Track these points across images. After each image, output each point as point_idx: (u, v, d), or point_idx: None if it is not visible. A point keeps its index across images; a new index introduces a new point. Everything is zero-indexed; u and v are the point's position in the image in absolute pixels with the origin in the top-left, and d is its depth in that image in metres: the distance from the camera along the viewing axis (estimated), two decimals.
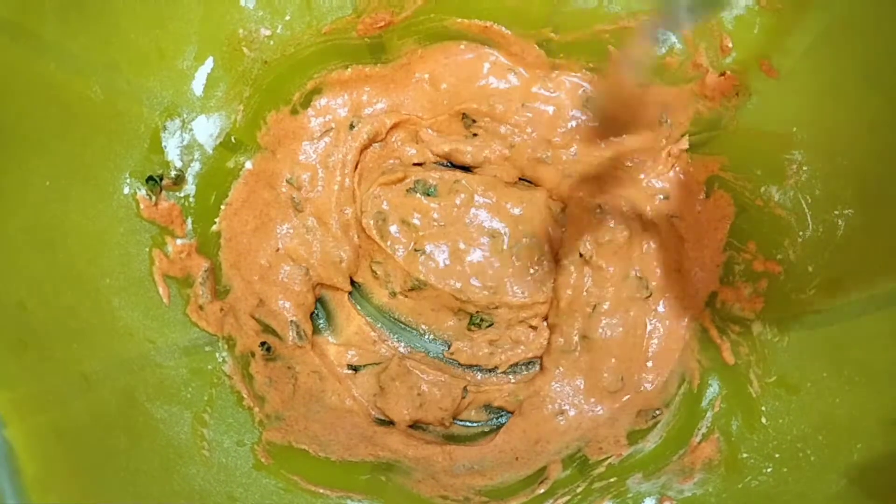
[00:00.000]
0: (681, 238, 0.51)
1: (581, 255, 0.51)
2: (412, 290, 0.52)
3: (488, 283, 0.52)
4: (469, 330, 0.52)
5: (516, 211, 0.52)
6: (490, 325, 0.52)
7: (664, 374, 0.50)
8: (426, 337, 0.54)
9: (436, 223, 0.52)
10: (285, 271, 0.51)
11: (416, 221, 0.52)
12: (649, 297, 0.51)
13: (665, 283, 0.51)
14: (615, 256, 0.51)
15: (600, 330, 0.51)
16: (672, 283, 0.51)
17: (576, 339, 0.51)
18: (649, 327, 0.51)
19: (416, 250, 0.52)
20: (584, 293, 0.51)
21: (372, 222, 0.52)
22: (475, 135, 0.53)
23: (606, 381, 0.50)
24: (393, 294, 0.53)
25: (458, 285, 0.51)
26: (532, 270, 0.52)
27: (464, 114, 0.53)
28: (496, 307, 0.52)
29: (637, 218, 0.52)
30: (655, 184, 0.52)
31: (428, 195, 0.52)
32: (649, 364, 0.50)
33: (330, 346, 0.52)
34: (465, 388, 0.52)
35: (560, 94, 0.52)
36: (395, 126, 0.53)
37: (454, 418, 0.52)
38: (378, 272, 0.53)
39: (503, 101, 0.52)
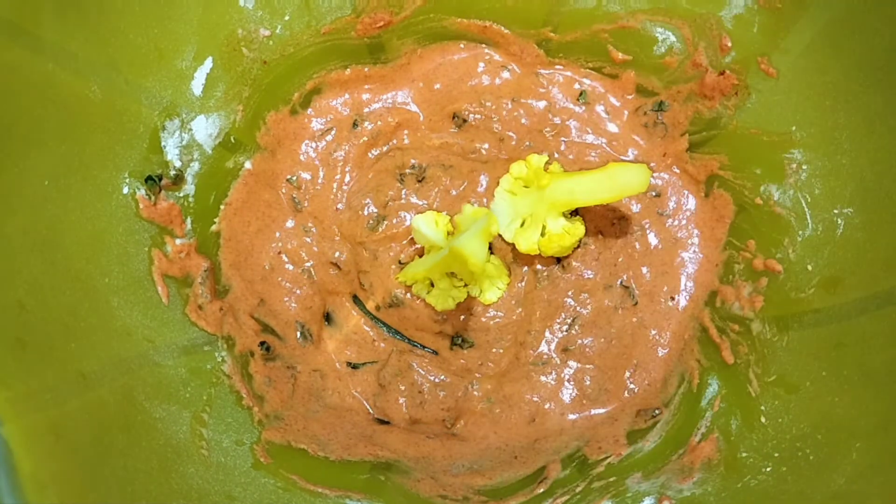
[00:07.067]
0: (674, 238, 0.50)
1: (558, 262, 0.51)
2: (391, 307, 0.51)
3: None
4: (451, 350, 0.52)
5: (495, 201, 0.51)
6: (471, 346, 0.51)
7: (657, 378, 0.49)
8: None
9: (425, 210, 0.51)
10: (289, 272, 0.51)
11: (405, 213, 0.51)
12: (636, 304, 0.50)
13: (655, 288, 0.51)
14: (596, 263, 0.51)
15: (579, 342, 0.50)
16: (663, 286, 0.51)
17: (549, 354, 0.50)
18: (637, 335, 0.50)
19: (400, 262, 0.51)
20: (561, 306, 0.50)
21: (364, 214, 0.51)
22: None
23: (588, 390, 0.50)
24: (377, 308, 0.52)
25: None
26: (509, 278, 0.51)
27: (455, 114, 0.52)
28: (473, 329, 0.51)
29: (619, 220, 0.51)
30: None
31: (420, 181, 0.52)
32: (637, 371, 0.50)
33: (329, 344, 0.52)
34: (466, 389, 0.52)
35: (553, 88, 0.52)
36: (398, 125, 0.52)
37: (457, 420, 0.52)
38: (364, 283, 0.52)
39: (494, 97, 0.52)
